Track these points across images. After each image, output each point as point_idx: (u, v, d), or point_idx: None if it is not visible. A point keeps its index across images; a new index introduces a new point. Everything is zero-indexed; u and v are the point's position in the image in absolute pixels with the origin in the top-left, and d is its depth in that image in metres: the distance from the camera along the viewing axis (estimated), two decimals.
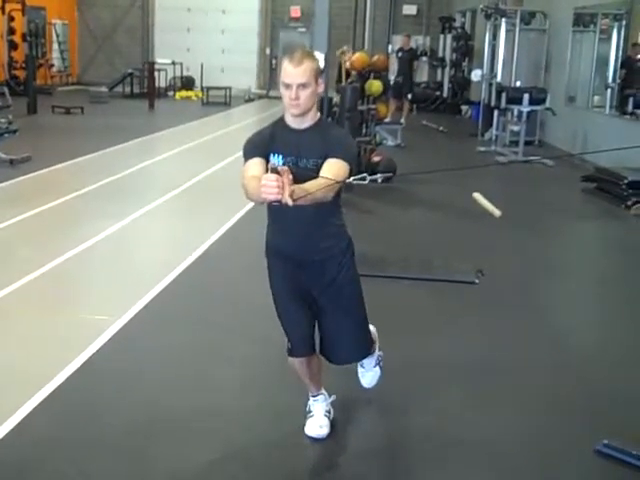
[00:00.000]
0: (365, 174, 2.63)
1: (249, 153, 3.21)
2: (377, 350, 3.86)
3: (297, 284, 3.36)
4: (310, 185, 2.93)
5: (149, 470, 3.35)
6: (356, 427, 3.80)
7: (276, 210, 3.10)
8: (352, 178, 3.10)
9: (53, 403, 3.83)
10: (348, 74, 10.91)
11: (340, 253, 3.38)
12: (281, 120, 3.26)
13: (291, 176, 2.75)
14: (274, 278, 3.43)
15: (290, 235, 3.30)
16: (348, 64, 11.06)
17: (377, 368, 3.87)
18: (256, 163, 3.14)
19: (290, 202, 2.74)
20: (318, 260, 3.32)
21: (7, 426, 3.57)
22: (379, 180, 2.79)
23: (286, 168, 2.75)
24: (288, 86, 3.08)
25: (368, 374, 3.88)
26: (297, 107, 3.10)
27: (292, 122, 3.20)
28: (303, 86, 3.07)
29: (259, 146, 3.19)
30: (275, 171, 2.74)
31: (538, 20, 15.16)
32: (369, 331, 3.61)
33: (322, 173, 3.04)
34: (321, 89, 3.17)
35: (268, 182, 2.73)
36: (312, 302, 3.39)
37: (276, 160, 3.00)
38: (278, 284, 3.41)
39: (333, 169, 3.06)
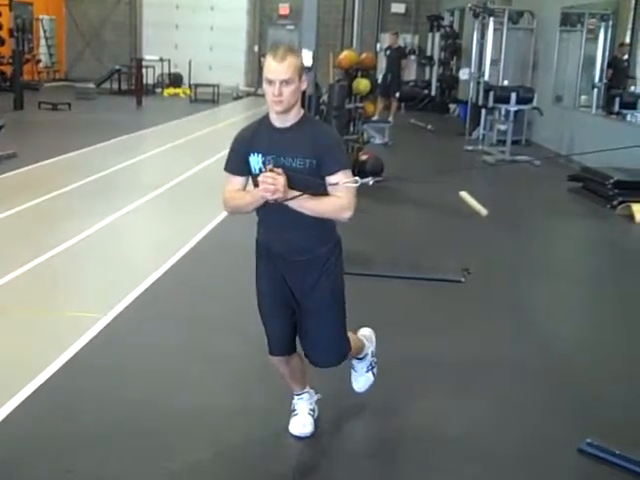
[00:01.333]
0: (357, 177, 2.66)
1: (231, 166, 3.27)
2: (370, 355, 3.85)
3: (282, 285, 3.35)
4: (311, 202, 3.08)
5: (134, 468, 3.33)
6: (343, 426, 3.81)
7: (265, 209, 3.11)
8: (343, 182, 3.10)
9: (38, 400, 3.82)
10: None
11: (327, 253, 3.35)
12: (266, 118, 3.24)
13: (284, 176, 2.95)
14: (260, 277, 3.42)
15: (277, 235, 3.28)
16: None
17: (370, 374, 3.85)
18: (236, 181, 3.26)
19: (271, 197, 2.97)
20: (303, 261, 3.30)
21: None
22: (370, 183, 2.81)
23: (281, 170, 2.92)
24: (271, 82, 3.06)
25: (360, 379, 3.86)
26: (280, 104, 3.08)
27: (275, 120, 3.18)
28: (286, 82, 3.05)
29: (240, 155, 3.22)
30: (272, 171, 2.92)
31: (526, 19, 15.22)
32: (346, 336, 3.54)
33: (333, 191, 3.12)
34: (304, 86, 3.15)
35: (267, 180, 2.96)
36: (295, 303, 3.38)
37: (255, 161, 3.14)
38: (263, 284, 3.40)
39: (343, 188, 3.10)
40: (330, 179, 3.11)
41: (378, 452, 3.57)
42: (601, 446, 3.51)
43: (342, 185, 3.09)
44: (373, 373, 3.87)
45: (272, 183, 2.95)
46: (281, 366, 3.51)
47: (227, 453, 3.48)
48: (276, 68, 3.04)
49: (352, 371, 3.86)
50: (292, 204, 3.05)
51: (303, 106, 3.26)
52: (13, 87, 17.02)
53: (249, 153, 3.17)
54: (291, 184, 3.02)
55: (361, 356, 3.78)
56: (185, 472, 3.33)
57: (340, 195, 3.09)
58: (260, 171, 3.09)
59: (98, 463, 3.34)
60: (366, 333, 3.88)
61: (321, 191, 3.10)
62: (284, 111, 3.12)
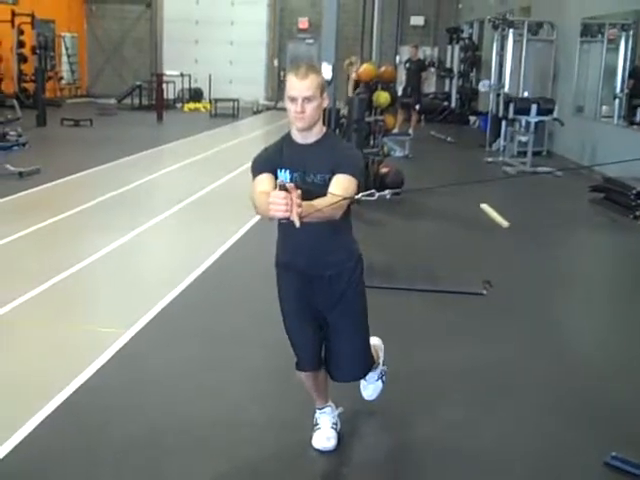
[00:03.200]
0: (373, 190, 2.66)
1: (257, 169, 3.21)
2: (381, 364, 3.87)
3: (306, 301, 3.36)
4: (318, 202, 2.92)
5: None
6: (361, 438, 3.79)
7: (287, 226, 3.10)
8: (360, 194, 3.08)
9: (60, 416, 3.83)
10: (357, 85, 10.92)
11: (350, 269, 3.37)
12: (288, 135, 3.27)
13: (299, 191, 2.72)
14: (283, 294, 3.43)
15: (301, 250, 3.29)
16: (354, 75, 11.07)
17: (379, 382, 3.88)
18: (265, 179, 3.15)
19: (297, 222, 2.71)
20: (328, 276, 3.32)
21: (15, 439, 3.58)
22: (387, 196, 2.79)
23: (293, 185, 2.72)
24: (294, 99, 3.09)
25: (370, 387, 3.89)
26: (302, 120, 3.11)
27: (298, 137, 3.21)
28: (308, 99, 3.08)
29: (267, 162, 3.20)
30: (283, 188, 2.69)
31: (545, 30, 15.17)
32: (370, 349, 3.59)
33: (331, 189, 3.03)
34: (326, 103, 3.18)
35: (276, 199, 2.69)
36: (320, 319, 3.39)
37: (283, 176, 3.02)
38: (287, 300, 3.41)
39: (342, 185, 3.05)
40: (336, 178, 3.07)
41: (398, 465, 3.55)
42: (626, 459, 3.47)
43: (330, 194, 3.01)
44: (383, 381, 3.90)
45: (280, 203, 2.70)
46: (309, 381, 3.52)
47: (249, 466, 3.48)
48: (298, 85, 3.07)
49: (362, 380, 3.86)
50: (312, 218, 2.99)
51: (323, 119, 3.27)
52: (36, 104, 17.18)
53: (277, 167, 3.17)
54: (308, 198, 2.91)
55: (374, 366, 3.79)
56: None
57: (342, 187, 3.03)
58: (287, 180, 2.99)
59: (119, 478, 3.35)
60: (376, 342, 3.88)
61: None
62: (307, 128, 3.15)
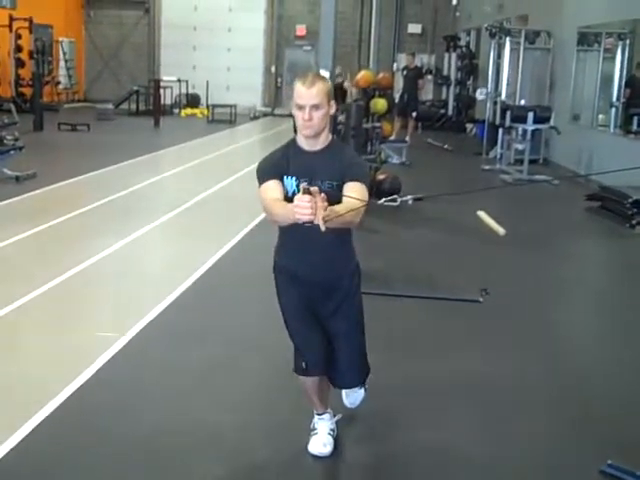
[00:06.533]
0: (396, 195, 2.67)
1: (264, 175, 3.22)
2: None
3: (308, 308, 3.37)
4: (340, 208, 2.94)
5: None
6: (358, 444, 3.79)
7: (293, 231, 3.10)
8: (383, 199, 3.13)
9: (57, 418, 3.83)
10: (344, 95, 10.92)
11: (350, 275, 3.41)
12: (293, 142, 3.28)
13: (324, 195, 2.73)
14: (284, 299, 3.44)
15: (303, 256, 3.30)
16: (347, 84, 11.08)
17: (362, 389, 3.81)
18: (273, 186, 3.17)
19: (323, 226, 2.72)
20: (329, 281, 3.35)
21: (14, 439, 3.58)
22: (409, 202, 2.80)
23: (317, 189, 2.74)
24: (301, 107, 3.12)
25: (353, 395, 3.82)
26: (310, 128, 3.14)
27: (305, 144, 3.23)
28: (316, 107, 3.11)
29: (273, 168, 3.22)
30: (307, 192, 2.72)
31: (542, 39, 15.21)
32: (366, 355, 3.58)
33: (347, 194, 3.06)
34: (333, 110, 3.21)
35: (302, 203, 2.72)
36: (321, 324, 3.40)
37: (290, 183, 3.07)
38: (288, 305, 3.42)
39: (358, 192, 3.08)
40: (349, 185, 3.12)
41: (396, 470, 3.55)
42: (622, 467, 3.48)
43: (359, 192, 3.07)
44: (365, 389, 3.85)
45: (306, 207, 2.72)
46: (314, 386, 3.51)
47: (244, 471, 3.48)
48: (306, 93, 3.10)
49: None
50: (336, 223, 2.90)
51: None
52: (33, 108, 17.19)
53: (283, 175, 3.19)
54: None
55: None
56: None
57: (353, 201, 3.04)
58: (294, 193, 3.04)
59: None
60: None
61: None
62: (314, 135, 3.18)
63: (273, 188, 3.16)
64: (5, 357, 4.66)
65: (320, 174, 3.17)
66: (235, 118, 21.52)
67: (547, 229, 9.07)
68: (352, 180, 3.14)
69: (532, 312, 5.95)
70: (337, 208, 2.91)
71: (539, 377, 4.67)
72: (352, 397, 3.86)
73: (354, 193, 3.06)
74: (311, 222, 2.74)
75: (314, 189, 2.73)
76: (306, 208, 2.71)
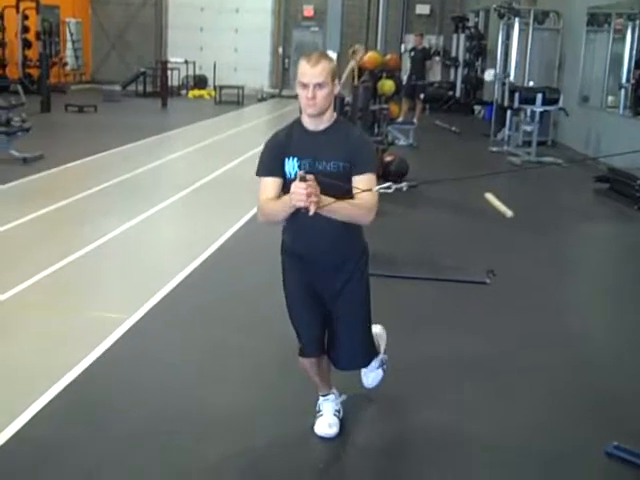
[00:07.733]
0: (390, 183, 2.66)
1: (265, 169, 3.25)
2: (382, 353, 3.87)
3: (311, 287, 3.38)
4: (339, 205, 3.04)
5: (152, 469, 3.35)
6: (365, 425, 3.80)
7: (294, 215, 3.11)
8: (377, 187, 3.15)
9: (63, 400, 3.85)
10: (360, 74, 10.87)
11: (356, 257, 3.41)
12: (298, 122, 3.28)
13: (315, 183, 2.91)
14: (288, 279, 3.45)
15: (308, 239, 3.30)
16: (354, 63, 10.98)
17: (380, 370, 3.88)
18: (271, 184, 3.22)
19: (312, 210, 2.90)
20: (336, 263, 3.35)
21: (19, 422, 3.59)
22: (404, 189, 2.79)
23: (312, 177, 2.90)
24: (305, 86, 3.11)
25: (371, 374, 3.89)
26: (314, 107, 3.13)
27: (309, 124, 3.23)
28: (320, 86, 3.10)
29: (274, 160, 3.23)
30: (303, 179, 2.89)
31: (552, 20, 15.11)
32: (372, 338, 3.62)
33: (357, 195, 3.11)
34: (337, 90, 3.20)
35: (298, 190, 2.89)
36: (323, 306, 3.41)
37: (291, 165, 3.15)
38: (292, 286, 3.43)
39: (367, 186, 3.11)
40: (357, 180, 3.14)
41: (402, 451, 3.56)
42: (628, 449, 3.48)
43: (369, 187, 3.10)
44: (383, 369, 3.90)
45: (302, 193, 2.89)
46: (312, 367, 3.52)
47: (251, 452, 3.49)
48: (310, 72, 3.10)
49: (362, 368, 3.87)
50: (323, 211, 3.02)
51: None
52: (40, 90, 17.15)
53: (285, 157, 3.20)
54: (322, 190, 3.00)
55: (375, 356, 3.79)
56: (209, 470, 3.34)
57: (365, 197, 3.10)
58: (296, 175, 3.06)
59: (122, 462, 3.37)
60: (378, 331, 3.89)
61: (347, 195, 3.11)
62: (318, 114, 3.17)
63: (270, 188, 3.22)
64: (9, 338, 4.67)
65: (325, 154, 3.17)
66: (242, 99, 21.45)
67: (555, 211, 9.04)
68: (361, 173, 3.15)
69: (539, 294, 5.94)
70: (336, 205, 3.02)
71: (545, 359, 4.67)
72: (370, 377, 3.89)
73: (365, 187, 3.11)
74: (307, 208, 2.90)
75: (309, 177, 2.90)
76: (302, 195, 2.88)
